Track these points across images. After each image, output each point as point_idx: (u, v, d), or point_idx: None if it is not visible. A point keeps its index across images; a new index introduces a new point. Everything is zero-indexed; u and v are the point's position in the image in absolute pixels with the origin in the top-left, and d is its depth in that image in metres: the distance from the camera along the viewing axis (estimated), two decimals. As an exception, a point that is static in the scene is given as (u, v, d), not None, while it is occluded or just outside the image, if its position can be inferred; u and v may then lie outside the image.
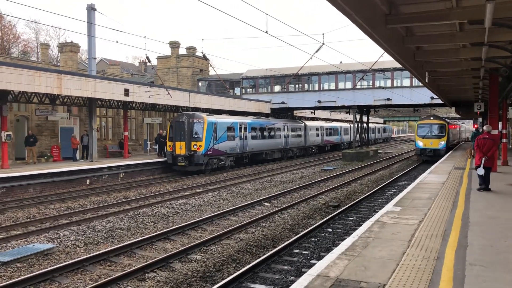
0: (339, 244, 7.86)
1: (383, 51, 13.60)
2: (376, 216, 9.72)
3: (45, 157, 27.20)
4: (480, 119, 48.12)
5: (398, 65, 29.15)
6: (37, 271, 9.53)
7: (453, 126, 49.76)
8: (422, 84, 27.09)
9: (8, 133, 22.29)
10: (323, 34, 18.02)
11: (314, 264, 7.85)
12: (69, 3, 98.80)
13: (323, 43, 17.97)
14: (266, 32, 15.32)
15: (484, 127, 15.57)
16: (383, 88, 38.20)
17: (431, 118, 37.03)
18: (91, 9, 28.09)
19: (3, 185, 19.09)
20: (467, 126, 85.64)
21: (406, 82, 38.25)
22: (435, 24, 11.96)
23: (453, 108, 47.40)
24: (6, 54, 48.25)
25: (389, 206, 10.91)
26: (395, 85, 38.87)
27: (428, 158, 35.58)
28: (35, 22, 64.69)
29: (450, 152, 35.58)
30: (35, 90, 21.47)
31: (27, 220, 14.83)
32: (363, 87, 39.48)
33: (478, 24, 10.69)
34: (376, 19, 10.53)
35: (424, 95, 36.16)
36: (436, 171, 19.36)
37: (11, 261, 10.14)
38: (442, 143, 35.47)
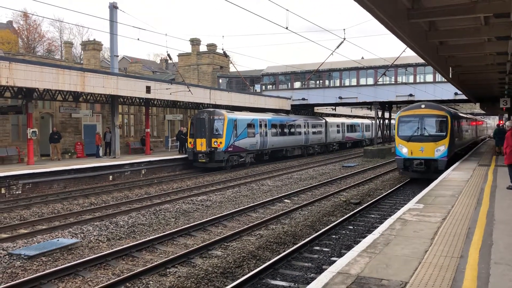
0: (360, 241, 7.80)
1: (406, 46, 13.38)
2: (398, 213, 9.60)
3: (69, 154, 27.71)
4: (506, 115, 45.22)
5: (421, 60, 28.71)
6: (61, 265, 9.72)
7: (475, 122, 39.51)
8: (445, 80, 26.60)
9: (33, 130, 22.77)
10: (344, 29, 17.87)
11: (334, 261, 7.80)
12: (92, 2, 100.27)
13: (344, 39, 17.82)
14: (287, 28, 15.25)
15: (507, 123, 15.25)
16: (405, 84, 37.65)
17: (422, 106, 21.82)
18: (113, 7, 28.41)
19: (29, 181, 19.52)
20: (491, 122, 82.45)
21: (429, 78, 37.63)
22: (459, 18, 11.69)
23: (477, 104, 46.39)
24: (31, 53, 49.26)
25: (411, 204, 10.76)
26: (417, 80, 38.28)
27: (417, 175, 21.06)
28: (59, 21, 65.85)
29: (459, 163, 21.58)
30: (59, 87, 21.86)
31: (51, 215, 15.14)
32: (385, 83, 38.99)
33: (504, 18, 10.43)
34: (398, 14, 10.36)
35: (448, 91, 35.48)
36: (460, 168, 19.01)
37: (36, 255, 10.37)
38: (441, 148, 20.45)
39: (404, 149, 20.94)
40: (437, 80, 35.98)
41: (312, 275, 8.88)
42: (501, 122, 48.08)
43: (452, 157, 22.04)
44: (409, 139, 20.95)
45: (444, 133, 20.71)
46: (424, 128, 20.98)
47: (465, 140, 29.52)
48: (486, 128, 69.22)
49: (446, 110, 21.68)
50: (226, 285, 8.40)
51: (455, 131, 22.15)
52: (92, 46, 43.71)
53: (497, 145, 27.29)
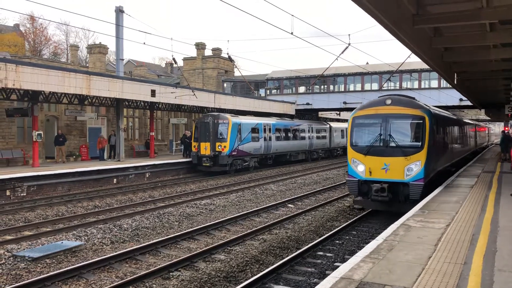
0: (363, 247, 7.79)
1: (410, 52, 13.40)
2: (402, 219, 9.58)
3: (74, 156, 27.82)
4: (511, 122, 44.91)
5: (425, 66, 28.68)
6: (65, 267, 9.76)
7: (474, 128, 33.47)
8: (450, 86, 26.55)
9: (38, 132, 22.89)
10: (349, 35, 17.89)
11: (338, 266, 7.79)
12: (98, 6, 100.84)
13: (349, 44, 17.82)
14: (291, 33, 15.29)
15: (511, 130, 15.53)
16: (410, 89, 37.57)
17: (388, 101, 14.67)
18: (119, 11, 28.59)
19: (34, 183, 19.61)
20: (495, 129, 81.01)
21: (434, 84, 37.56)
22: (464, 25, 11.71)
23: (482, 110, 46.24)
24: (37, 56, 49.56)
25: (415, 209, 10.73)
26: (422, 86, 38.22)
27: (379, 206, 14.69)
28: (66, 24, 66.26)
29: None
30: (64, 90, 21.99)
31: (56, 218, 15.20)
32: (389, 88, 38.95)
33: (509, 24, 10.43)
34: (403, 20, 10.39)
35: (453, 97, 35.37)
36: (465, 174, 18.93)
37: (40, 257, 10.41)
38: (414, 166, 13.82)
39: (360, 167, 14.19)
40: (442, 86, 35.92)
41: (315, 280, 8.87)
42: (507, 128, 47.73)
43: (433, 179, 14.78)
44: (367, 151, 14.14)
45: (420, 143, 13.70)
46: (390, 136, 13.93)
47: (457, 152, 21.27)
48: (488, 135, 59.62)
49: (423, 108, 14.49)
50: (229, 289, 8.39)
51: (437, 140, 14.99)
52: (98, 49, 43.94)
53: (502, 151, 27.19)
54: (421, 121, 13.88)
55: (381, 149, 14.10)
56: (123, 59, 30.85)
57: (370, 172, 14.10)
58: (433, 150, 14.26)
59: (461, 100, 35.83)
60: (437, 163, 15.48)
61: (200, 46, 53.24)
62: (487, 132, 55.73)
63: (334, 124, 46.19)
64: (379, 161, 13.95)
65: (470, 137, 30.57)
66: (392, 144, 13.97)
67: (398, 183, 13.77)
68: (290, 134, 36.07)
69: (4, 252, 10.84)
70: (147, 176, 25.85)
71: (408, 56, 16.36)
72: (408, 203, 13.30)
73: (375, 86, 39.76)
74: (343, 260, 9.52)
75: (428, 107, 15.07)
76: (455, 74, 19.02)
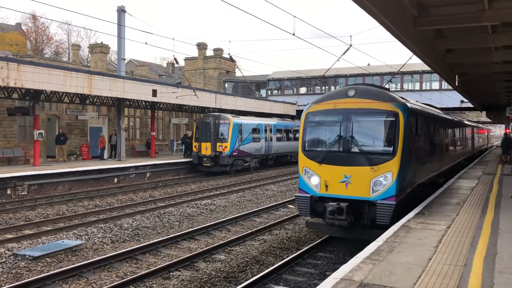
0: (364, 248, 7.78)
1: (412, 54, 13.41)
2: (403, 220, 9.58)
3: (75, 156, 27.84)
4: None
5: (427, 68, 28.68)
6: (66, 266, 9.77)
7: (471, 130, 29.60)
8: (451, 88, 26.55)
9: (40, 131, 22.91)
10: (350, 36, 17.88)
11: (338, 267, 7.80)
12: (100, 5, 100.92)
13: (351, 45, 17.81)
14: (293, 34, 15.30)
15: None
16: (411, 91, 37.61)
17: (351, 93, 11.10)
18: (121, 11, 28.62)
19: (35, 182, 19.63)
20: (496, 130, 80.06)
21: (435, 85, 37.59)
22: (466, 27, 11.72)
23: (484, 112, 46.25)
24: (39, 55, 49.62)
25: (416, 211, 10.73)
26: (424, 88, 38.25)
27: (336, 231, 11.09)
28: (67, 23, 66.34)
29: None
30: (66, 90, 22.01)
31: (56, 217, 15.22)
32: (390, 89, 38.98)
33: (511, 27, 10.44)
34: (405, 21, 10.40)
35: (454, 99, 35.41)
36: (465, 176, 18.92)
37: (41, 256, 10.43)
38: (383, 179, 10.36)
39: (314, 179, 11.02)
40: (443, 87, 35.94)
41: (315, 281, 8.88)
42: (507, 130, 47.66)
43: (412, 195, 11.40)
44: (323, 158, 10.94)
45: (391, 148, 10.42)
46: (352, 138, 10.75)
47: (447, 158, 17.54)
48: (488, 137, 55.79)
49: (397, 101, 10.91)
50: (229, 290, 8.40)
51: (417, 144, 11.79)
52: (99, 49, 43.99)
53: (503, 153, 27.18)
54: (394, 119, 10.40)
55: (341, 155, 10.71)
56: (124, 59, 30.87)
57: (327, 186, 10.73)
58: (410, 156, 10.84)
59: (462, 102, 35.86)
60: (417, 174, 11.75)
61: (201, 46, 53.27)
62: (486, 134, 52.00)
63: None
64: (337, 172, 10.65)
65: (466, 139, 26.52)
66: (355, 150, 10.59)
67: (362, 201, 10.38)
68: (291, 135, 36.08)
69: (4, 251, 10.86)
70: (148, 175, 25.86)
71: (410, 58, 16.37)
72: (375, 230, 9.90)
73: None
74: (344, 261, 9.52)
75: (404, 100, 11.26)
76: (457, 76, 19.02)
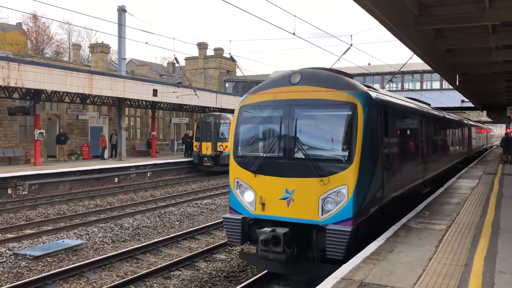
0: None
1: (413, 53, 13.41)
2: (403, 220, 9.58)
3: (75, 155, 27.85)
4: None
5: (427, 68, 28.70)
6: (66, 266, 9.78)
7: (467, 130, 26.68)
8: (452, 87, 26.54)
9: (40, 131, 22.93)
10: (351, 35, 17.87)
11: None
12: (101, 5, 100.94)
13: (351, 45, 17.80)
14: (294, 33, 15.30)
15: None
16: (412, 90, 37.60)
17: (296, 78, 8.38)
18: (121, 10, 28.63)
19: (35, 182, 19.64)
20: (496, 130, 79.38)
21: (436, 85, 37.59)
22: (466, 26, 11.72)
23: (484, 112, 46.24)
24: (40, 55, 49.65)
25: (416, 211, 10.73)
26: (424, 87, 38.25)
27: (272, 267, 8.49)
28: (68, 23, 66.35)
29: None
30: (67, 89, 22.03)
31: (57, 216, 15.23)
32: (391, 89, 38.98)
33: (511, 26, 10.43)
34: (406, 21, 10.40)
35: (454, 98, 35.40)
36: (466, 176, 18.91)
37: (42, 256, 10.44)
38: (336, 197, 7.67)
39: (248, 194, 8.51)
40: (444, 87, 35.93)
41: (316, 280, 8.87)
42: (508, 130, 47.59)
43: (377, 216, 8.73)
44: (258, 167, 8.41)
45: (347, 152, 7.90)
46: (295, 139, 8.29)
47: (435, 163, 14.55)
48: (487, 137, 52.94)
49: (356, 88, 8.27)
50: (230, 289, 8.40)
51: (388, 147, 9.09)
52: (100, 48, 44.00)
53: (504, 153, 27.19)
54: (350, 113, 7.87)
55: (281, 163, 8.17)
56: (125, 59, 30.88)
57: (263, 205, 8.17)
58: (375, 163, 8.29)
59: (463, 101, 35.85)
60: (389, 185, 8.98)
61: (202, 46, 53.28)
62: (486, 134, 49.18)
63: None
64: (277, 185, 8.10)
65: (462, 140, 23.94)
66: (299, 155, 8.05)
67: (309, 226, 7.88)
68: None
69: (5, 251, 10.87)
70: (149, 175, 25.87)
71: (410, 57, 16.38)
72: (327, 264, 7.74)
73: (376, 87, 39.75)
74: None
75: (367, 88, 8.53)
76: (457, 76, 19.01)
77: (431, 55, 13.87)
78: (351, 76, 8.94)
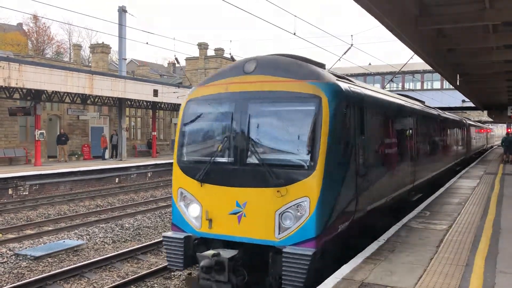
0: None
1: (413, 53, 13.40)
2: (404, 220, 9.57)
3: (76, 156, 27.87)
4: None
5: (428, 67, 28.70)
6: (67, 266, 9.78)
7: (465, 129, 25.18)
8: (453, 87, 26.53)
9: (41, 131, 22.94)
10: (351, 35, 17.90)
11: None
12: (101, 5, 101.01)
13: (352, 45, 17.81)
14: (294, 34, 15.29)
15: None
16: (412, 90, 37.57)
17: (250, 67, 7.06)
18: (122, 11, 28.64)
19: (36, 182, 19.65)
20: (497, 130, 78.96)
21: (437, 85, 37.57)
22: (467, 26, 11.71)
23: (485, 112, 46.22)
24: (40, 55, 49.69)
25: (417, 211, 10.73)
26: (425, 87, 38.22)
27: None
28: (69, 23, 66.42)
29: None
30: (67, 90, 22.05)
31: (58, 217, 15.24)
32: (392, 89, 38.97)
33: (512, 26, 10.43)
34: (406, 21, 10.39)
35: (455, 98, 35.36)
36: (467, 176, 18.90)
37: (42, 256, 10.44)
38: (296, 211, 6.32)
39: (193, 208, 7.15)
40: (444, 87, 35.89)
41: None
42: (509, 130, 47.52)
43: (350, 233, 7.31)
44: (205, 174, 7.02)
45: (308, 157, 6.46)
46: (247, 140, 6.88)
47: (424, 167, 13.08)
48: (487, 137, 51.43)
49: (321, 78, 6.86)
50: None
51: (363, 149, 7.61)
52: (100, 49, 43.96)
53: (505, 152, 27.18)
54: (313, 107, 6.54)
55: (231, 170, 6.85)
56: (125, 59, 30.90)
57: (211, 221, 6.85)
58: (345, 169, 6.97)
59: (463, 101, 35.82)
60: (365, 195, 7.63)
61: (202, 46, 53.25)
62: (486, 134, 47.77)
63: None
64: (226, 197, 6.79)
65: (458, 140, 22.36)
66: (252, 160, 6.71)
67: (263, 247, 6.58)
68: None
69: (6, 251, 10.87)
70: (149, 175, 25.87)
71: (411, 57, 16.38)
72: None
73: (377, 87, 39.81)
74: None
75: (336, 78, 7.21)
76: (458, 75, 19.00)
77: (432, 55, 13.86)
78: (320, 64, 7.67)
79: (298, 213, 6.33)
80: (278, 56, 7.53)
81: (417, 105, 13.22)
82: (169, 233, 7.27)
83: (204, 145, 7.43)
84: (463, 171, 21.02)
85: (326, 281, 5.84)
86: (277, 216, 6.41)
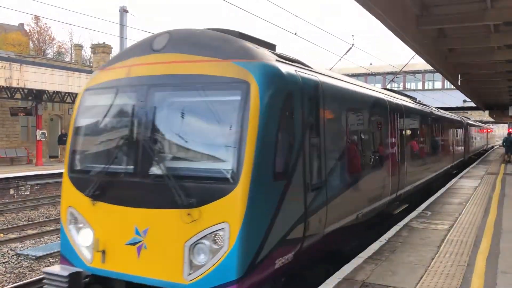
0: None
1: (414, 53, 13.40)
2: (405, 220, 9.56)
3: (77, 156, 27.89)
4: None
5: (429, 67, 28.69)
6: (68, 266, 9.78)
7: (462, 128, 23.38)
8: (454, 87, 26.52)
9: (42, 131, 22.97)
10: (352, 35, 17.86)
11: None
12: (102, 6, 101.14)
13: (353, 45, 17.80)
14: (295, 34, 15.29)
15: None
16: (413, 90, 37.55)
17: (159, 42, 5.33)
18: (123, 11, 28.65)
19: (37, 182, 19.66)
20: (498, 131, 78.73)
21: (438, 85, 37.53)
22: (468, 26, 11.70)
23: (486, 112, 46.20)
24: (41, 55, 49.77)
25: (418, 211, 10.71)
26: (426, 87, 38.20)
27: None
28: (70, 24, 66.47)
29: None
30: (68, 90, 22.06)
31: (59, 217, 15.22)
32: (393, 89, 38.99)
33: (513, 26, 10.42)
34: (408, 21, 10.39)
35: (456, 98, 35.35)
36: (468, 176, 18.88)
37: (44, 256, 10.44)
38: (212, 242, 4.54)
39: (85, 233, 5.27)
40: (445, 87, 35.87)
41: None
42: (510, 130, 47.44)
43: (294, 269, 5.53)
44: (97, 188, 5.17)
45: (229, 165, 4.66)
46: (154, 142, 5.07)
47: (412, 175, 11.40)
48: (487, 137, 49.20)
49: (252, 57, 5.03)
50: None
51: (318, 152, 5.90)
52: (101, 49, 44.00)
53: (506, 153, 27.16)
54: (238, 97, 4.82)
55: (129, 183, 5.15)
56: (127, 59, 30.88)
57: (103, 253, 5.14)
58: (286, 180, 5.18)
59: (464, 101, 35.80)
60: (322, 212, 5.97)
61: (203, 46, 53.32)
62: (486, 134, 46.23)
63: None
64: (123, 220, 5.08)
65: (455, 141, 20.60)
66: (156, 169, 4.99)
67: None
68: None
69: (7, 251, 10.89)
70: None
71: (412, 57, 16.39)
72: None
73: (378, 87, 39.80)
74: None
75: (277, 59, 5.53)
76: (459, 75, 18.99)
77: (433, 54, 13.85)
78: (258, 40, 5.92)
79: (215, 245, 4.54)
80: (200, 30, 5.64)
81: (402, 100, 11.27)
82: (52, 268, 5.40)
83: (99, 149, 5.57)
84: (465, 171, 20.99)
85: (327, 281, 5.83)
86: (187, 249, 4.63)
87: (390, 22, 9.27)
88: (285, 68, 5.37)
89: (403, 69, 32.49)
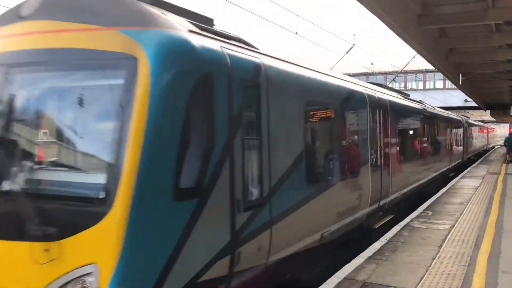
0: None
1: (416, 53, 13.39)
2: (406, 220, 9.55)
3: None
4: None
5: (430, 67, 28.68)
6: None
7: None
8: (455, 87, 26.51)
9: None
10: (353, 35, 17.86)
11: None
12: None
13: (354, 44, 17.79)
14: (296, 33, 15.30)
15: None
16: (414, 90, 37.57)
17: (29, 6, 3.96)
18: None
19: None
20: (500, 130, 78.50)
21: (439, 84, 37.53)
22: (470, 25, 11.69)
23: (487, 111, 46.18)
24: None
25: (419, 211, 10.71)
26: (427, 87, 38.19)
27: None
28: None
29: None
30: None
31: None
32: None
33: (515, 25, 10.42)
34: (409, 20, 10.39)
35: (458, 98, 35.35)
36: (469, 176, 18.87)
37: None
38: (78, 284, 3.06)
39: None
40: (447, 86, 35.86)
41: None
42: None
43: None
44: None
45: (103, 177, 3.35)
46: (9, 144, 3.78)
47: (401, 180, 10.52)
48: (488, 137, 47.68)
49: (146, 22, 3.68)
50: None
51: (254, 161, 4.57)
52: None
53: (508, 152, 27.13)
54: (120, 80, 3.54)
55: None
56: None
57: None
58: (195, 201, 3.76)
59: (466, 101, 35.79)
60: (256, 241, 4.59)
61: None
62: (486, 134, 45.18)
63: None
64: None
65: (452, 141, 19.39)
66: (7, 184, 3.60)
67: None
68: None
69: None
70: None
71: (413, 57, 16.39)
72: None
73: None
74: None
75: (190, 29, 4.02)
76: (460, 75, 18.98)
77: (434, 54, 13.84)
78: (180, 9, 4.59)
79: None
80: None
81: (388, 95, 9.94)
82: None
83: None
84: (466, 171, 20.97)
85: (328, 280, 5.83)
86: None
87: (390, 20, 9.27)
88: (200, 42, 3.95)
89: (404, 69, 32.51)
